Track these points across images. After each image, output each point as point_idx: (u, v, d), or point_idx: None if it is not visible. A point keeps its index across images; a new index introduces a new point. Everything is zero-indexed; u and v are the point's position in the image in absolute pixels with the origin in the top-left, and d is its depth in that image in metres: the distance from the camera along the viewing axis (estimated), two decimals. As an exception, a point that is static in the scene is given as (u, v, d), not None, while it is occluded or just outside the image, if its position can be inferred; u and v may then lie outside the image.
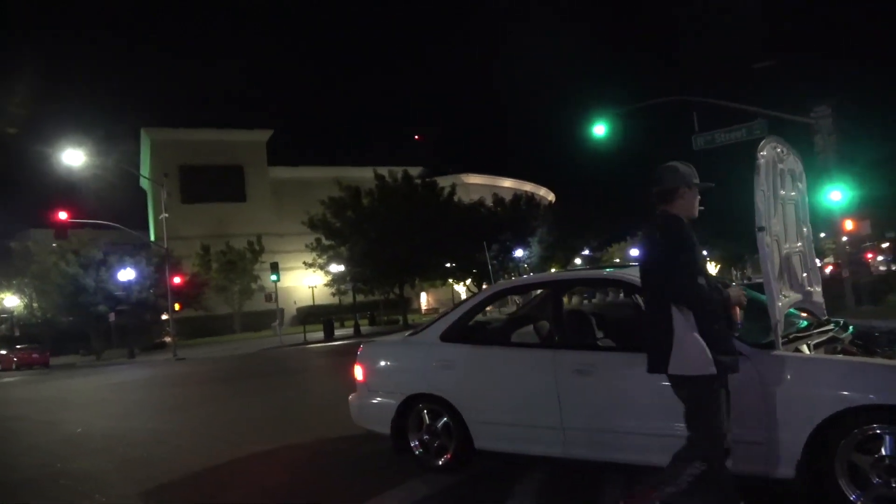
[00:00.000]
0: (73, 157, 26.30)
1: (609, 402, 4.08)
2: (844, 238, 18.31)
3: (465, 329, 5.02)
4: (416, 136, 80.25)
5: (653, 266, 3.18)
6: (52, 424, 9.96)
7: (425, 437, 4.91)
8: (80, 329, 40.92)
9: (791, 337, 3.72)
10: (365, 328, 36.81)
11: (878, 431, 3.18)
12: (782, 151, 4.00)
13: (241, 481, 5.41)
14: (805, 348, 3.62)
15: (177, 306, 32.74)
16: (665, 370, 3.06)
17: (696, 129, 18.30)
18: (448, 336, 4.93)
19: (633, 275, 4.23)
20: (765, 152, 3.70)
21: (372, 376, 5.29)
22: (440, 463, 4.80)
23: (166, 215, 34.16)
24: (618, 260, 52.46)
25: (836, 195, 16.37)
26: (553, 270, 42.78)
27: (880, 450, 3.17)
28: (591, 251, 56.41)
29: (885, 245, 50.93)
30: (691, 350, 2.98)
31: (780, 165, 3.95)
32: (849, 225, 17.22)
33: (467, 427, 4.65)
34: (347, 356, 10.75)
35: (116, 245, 40.38)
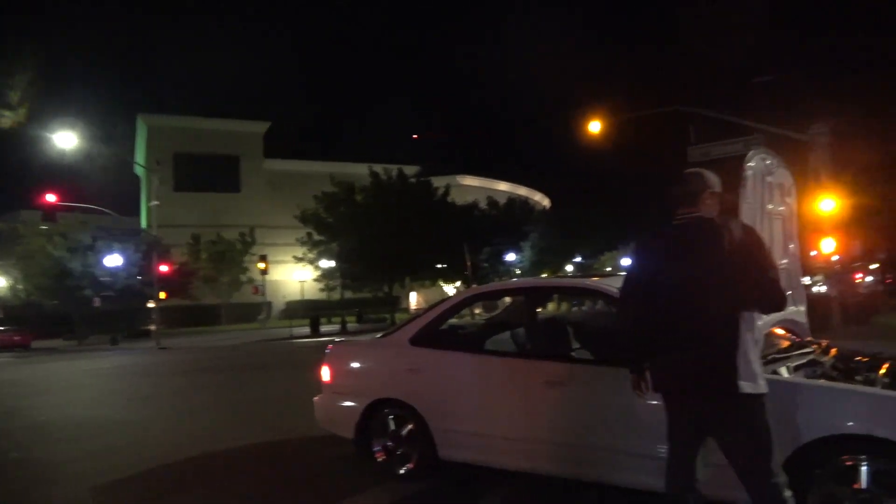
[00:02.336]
0: (66, 140, 25.96)
1: (581, 417, 3.91)
2: (835, 257, 18.24)
3: (437, 333, 4.84)
4: (414, 136, 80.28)
5: (724, 264, 2.76)
6: (20, 410, 9.72)
7: (389, 443, 4.72)
8: (65, 313, 40.49)
9: (770, 358, 3.55)
10: (352, 325, 36.58)
11: (856, 462, 3.01)
12: (771, 163, 3.83)
13: (200, 480, 5.21)
14: (784, 371, 3.46)
15: (163, 295, 32.39)
16: (734, 388, 2.71)
17: (693, 141, 18.21)
18: (418, 340, 4.75)
19: (613, 284, 4.06)
20: (753, 163, 3.54)
21: (338, 378, 5.10)
22: (403, 471, 4.62)
23: (157, 202, 33.81)
24: (609, 269, 52.38)
25: (827, 206, 16.35)
26: (544, 276, 42.63)
27: (858, 481, 3.01)
28: (583, 258, 56.29)
29: (873, 266, 51.11)
30: (757, 365, 2.79)
31: (768, 178, 3.78)
32: (830, 245, 17.14)
33: (432, 435, 4.47)
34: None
35: (106, 230, 39.98)
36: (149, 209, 43.89)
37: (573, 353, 4.48)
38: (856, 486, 3.00)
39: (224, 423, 7.70)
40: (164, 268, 32.87)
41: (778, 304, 2.88)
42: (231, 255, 49.41)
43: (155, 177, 35.99)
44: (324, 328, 34.33)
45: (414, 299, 58.58)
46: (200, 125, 59.42)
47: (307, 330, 33.09)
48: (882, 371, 3.56)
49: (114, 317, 39.30)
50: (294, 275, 48.67)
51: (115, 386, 13.58)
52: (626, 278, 3.11)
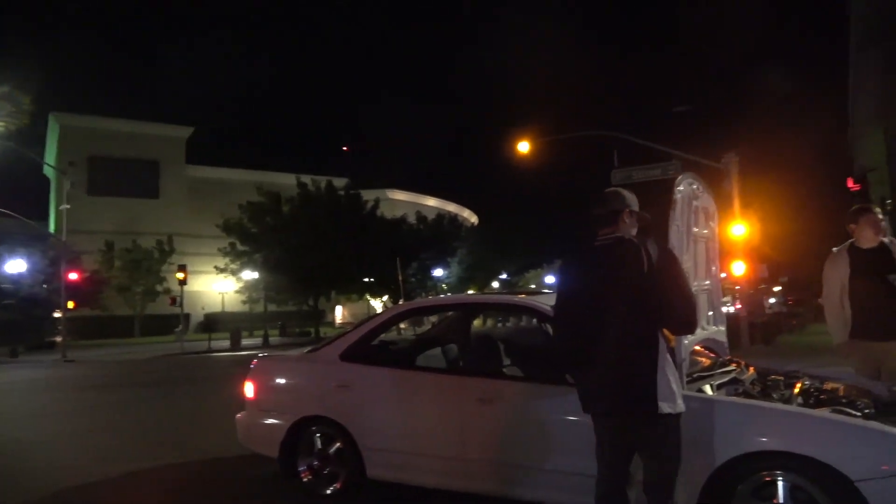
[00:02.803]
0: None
1: (513, 435, 3.90)
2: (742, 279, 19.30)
3: (368, 349, 4.74)
4: (344, 147, 79.62)
5: (643, 285, 2.80)
6: None
7: (315, 462, 4.56)
8: (-41, 322, 37.46)
9: (695, 376, 3.67)
10: (275, 339, 35.58)
11: (774, 478, 3.14)
12: (698, 188, 3.99)
13: (108, 504, 4.87)
14: (707, 388, 3.57)
15: (71, 304, 30.49)
16: (654, 408, 2.76)
17: (616, 165, 18.92)
18: (349, 355, 4.63)
19: (544, 302, 4.12)
20: (682, 187, 3.66)
21: (263, 394, 4.90)
22: (329, 491, 4.47)
23: (67, 206, 31.89)
24: (533, 286, 53.40)
25: (738, 231, 17.34)
26: (470, 292, 42.91)
27: (776, 496, 3.13)
28: (508, 275, 57.16)
29: (777, 288, 54.45)
30: (675, 385, 2.85)
31: (694, 202, 3.93)
32: (740, 268, 18.18)
33: (361, 454, 4.36)
34: (248, 368, 10.19)
35: (8, 234, 37.37)
36: (58, 213, 41.36)
37: (504, 370, 4.49)
38: (774, 502, 3.12)
39: (137, 443, 7.26)
40: (73, 275, 30.97)
41: (691, 324, 3.00)
42: (147, 264, 47.23)
43: (66, 179, 33.98)
44: (245, 342, 33.23)
45: (339, 313, 57.71)
46: (118, 127, 56.73)
47: (227, 343, 31.93)
48: (796, 390, 3.74)
49: (15, 327, 36.62)
50: (214, 286, 46.97)
51: (13, 402, 12.59)
52: (558, 298, 3.15)
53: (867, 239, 4.41)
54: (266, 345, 31.63)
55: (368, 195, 42.75)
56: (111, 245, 47.01)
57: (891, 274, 4.29)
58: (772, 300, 48.04)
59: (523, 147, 18.84)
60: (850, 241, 4.52)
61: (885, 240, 4.43)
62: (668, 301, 2.83)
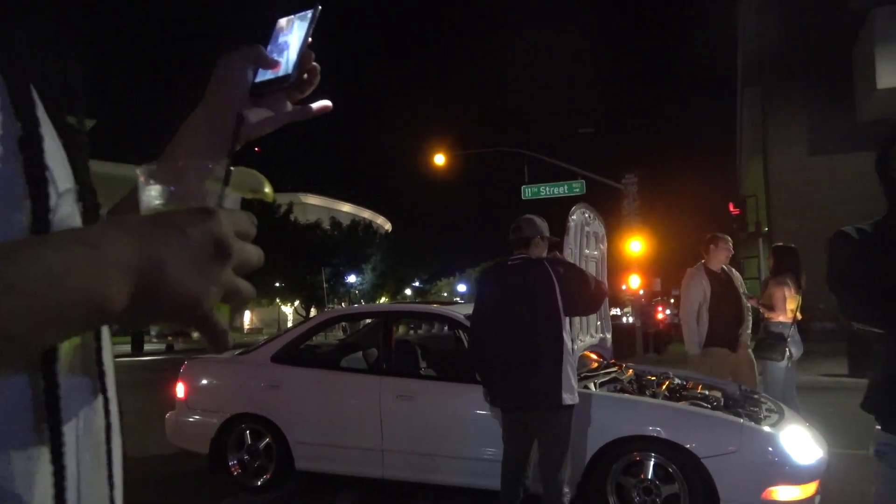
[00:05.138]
0: None
1: (427, 427, 4.45)
2: (641, 292, 20.85)
3: (296, 352, 5.15)
4: (256, 149, 77.73)
5: (547, 297, 3.39)
6: None
7: (245, 457, 4.92)
8: None
9: (583, 375, 4.35)
10: (180, 345, 34.41)
11: (641, 458, 3.85)
12: (589, 216, 4.71)
13: None
14: (592, 386, 4.26)
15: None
16: (558, 401, 3.32)
17: (527, 180, 19.97)
18: (279, 357, 5.03)
19: (458, 311, 4.74)
20: (574, 216, 4.36)
21: (194, 394, 5.19)
22: (258, 483, 4.84)
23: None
24: (445, 294, 54.38)
25: (635, 247, 18.82)
26: (383, 300, 43.19)
27: (642, 473, 3.84)
28: (421, 283, 57.89)
29: (671, 301, 58.03)
30: (574, 380, 3.43)
31: (587, 228, 4.65)
32: (636, 281, 19.72)
33: (290, 448, 4.76)
34: (158, 373, 10.16)
35: None
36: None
37: (421, 371, 5.04)
38: (642, 476, 3.84)
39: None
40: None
41: (599, 299, 3.63)
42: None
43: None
44: (148, 347, 31.96)
45: (248, 318, 56.39)
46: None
47: (128, 348, 30.63)
48: (664, 387, 4.51)
49: None
50: (114, 288, 44.72)
51: None
52: (475, 308, 3.72)
53: (718, 262, 5.26)
54: (170, 350, 30.59)
55: (282, 199, 42.25)
56: None
57: (735, 294, 5.17)
58: (665, 311, 51.05)
59: (439, 160, 19.58)
60: (702, 261, 5.32)
61: (725, 267, 5.29)
62: (578, 290, 3.43)
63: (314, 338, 5.74)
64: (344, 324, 13.55)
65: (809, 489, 3.58)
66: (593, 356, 5.15)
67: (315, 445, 4.73)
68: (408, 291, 55.06)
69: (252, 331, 53.43)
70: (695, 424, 3.81)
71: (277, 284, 40.10)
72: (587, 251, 4.68)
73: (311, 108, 0.80)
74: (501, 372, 3.48)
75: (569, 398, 3.39)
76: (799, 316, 5.26)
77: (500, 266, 3.68)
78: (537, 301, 3.42)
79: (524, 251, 3.62)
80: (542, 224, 3.73)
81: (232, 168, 0.56)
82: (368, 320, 6.09)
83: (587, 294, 3.49)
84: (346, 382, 4.83)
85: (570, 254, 4.18)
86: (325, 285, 17.90)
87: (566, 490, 3.40)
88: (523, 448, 3.55)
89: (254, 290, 0.55)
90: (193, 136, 0.74)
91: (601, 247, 5.06)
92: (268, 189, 0.60)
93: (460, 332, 4.80)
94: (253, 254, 0.54)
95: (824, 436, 4.10)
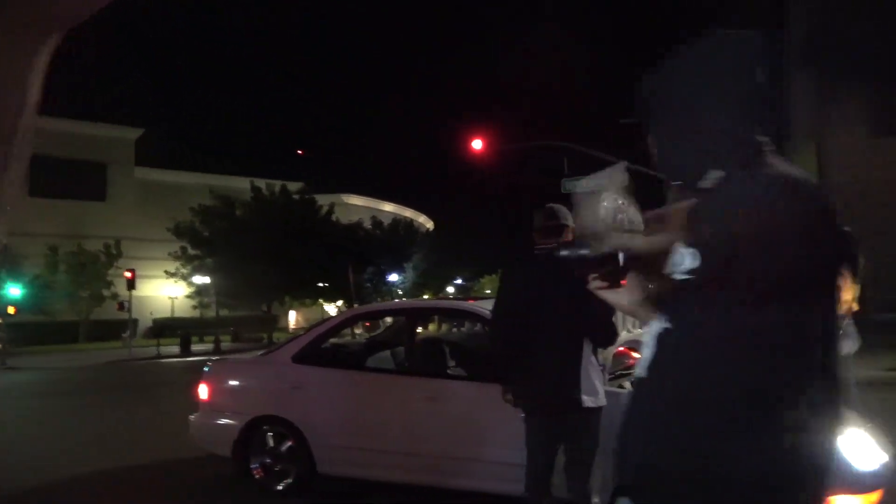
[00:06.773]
0: None
1: (455, 431, 4.21)
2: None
3: (319, 351, 4.98)
4: (299, 151, 79.06)
5: (574, 295, 2.98)
6: None
7: (267, 460, 4.78)
8: None
9: (616, 374, 4.05)
10: (227, 345, 35.09)
11: None
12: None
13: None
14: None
15: (11, 310, 29.53)
16: (578, 402, 3.09)
17: (566, 173, 19.50)
18: (301, 358, 4.87)
19: (487, 307, 4.45)
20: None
21: (217, 396, 5.09)
22: (281, 487, 4.70)
23: (9, 208, 30.93)
24: (489, 291, 54.04)
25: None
26: (425, 297, 43.18)
27: None
28: (463, 281, 57.71)
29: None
30: (598, 382, 3.18)
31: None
32: None
33: (312, 451, 4.60)
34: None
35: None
36: (-2, 215, 39.88)
37: (449, 371, 4.80)
38: None
39: (87, 448, 7.28)
40: (14, 281, 30.00)
41: (610, 339, 3.34)
42: (93, 269, 45.89)
43: (7, 180, 32.90)
44: (196, 347, 32.69)
45: (293, 318, 57.21)
46: (63, 127, 54.76)
47: (177, 349, 31.36)
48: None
49: (-51, 333, 35.13)
50: (163, 290, 45.99)
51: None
52: (496, 303, 3.46)
53: None
54: (218, 350, 31.19)
55: (323, 199, 42.63)
56: (55, 249, 45.55)
57: None
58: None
59: (477, 144, 19.14)
60: None
61: None
62: (595, 316, 3.09)
63: (336, 336, 5.58)
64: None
65: (872, 498, 3.21)
66: (631, 353, 4.83)
67: (338, 449, 4.55)
68: (450, 289, 54.95)
69: (297, 330, 54.16)
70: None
71: (320, 284, 40.49)
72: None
73: None
74: (522, 372, 3.22)
75: (589, 400, 3.12)
76: (855, 307, 4.81)
77: (526, 258, 3.39)
78: (563, 298, 3.13)
79: (556, 240, 3.33)
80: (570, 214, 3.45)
81: None
82: (389, 319, 5.89)
83: (603, 319, 3.22)
84: (369, 383, 4.64)
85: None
86: (351, 283, 17.81)
87: (596, 500, 3.12)
88: (545, 453, 3.29)
89: None
90: None
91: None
92: None
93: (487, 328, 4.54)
94: None
95: (890, 438, 3.69)
